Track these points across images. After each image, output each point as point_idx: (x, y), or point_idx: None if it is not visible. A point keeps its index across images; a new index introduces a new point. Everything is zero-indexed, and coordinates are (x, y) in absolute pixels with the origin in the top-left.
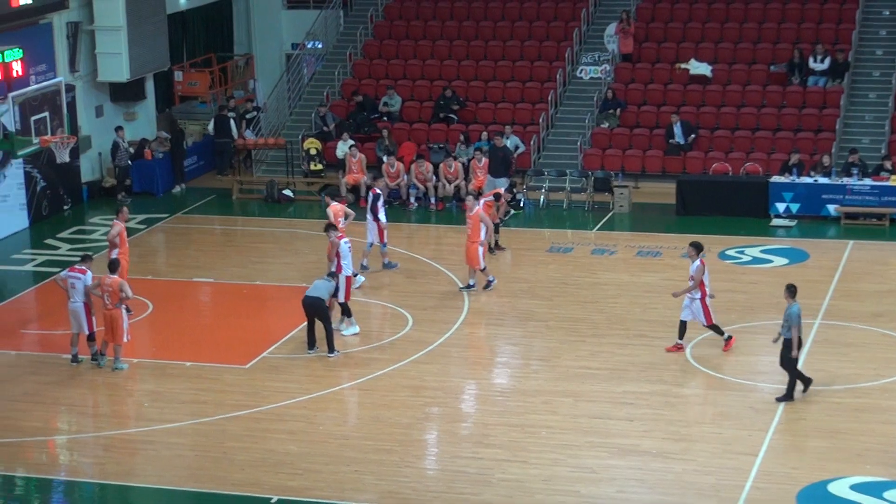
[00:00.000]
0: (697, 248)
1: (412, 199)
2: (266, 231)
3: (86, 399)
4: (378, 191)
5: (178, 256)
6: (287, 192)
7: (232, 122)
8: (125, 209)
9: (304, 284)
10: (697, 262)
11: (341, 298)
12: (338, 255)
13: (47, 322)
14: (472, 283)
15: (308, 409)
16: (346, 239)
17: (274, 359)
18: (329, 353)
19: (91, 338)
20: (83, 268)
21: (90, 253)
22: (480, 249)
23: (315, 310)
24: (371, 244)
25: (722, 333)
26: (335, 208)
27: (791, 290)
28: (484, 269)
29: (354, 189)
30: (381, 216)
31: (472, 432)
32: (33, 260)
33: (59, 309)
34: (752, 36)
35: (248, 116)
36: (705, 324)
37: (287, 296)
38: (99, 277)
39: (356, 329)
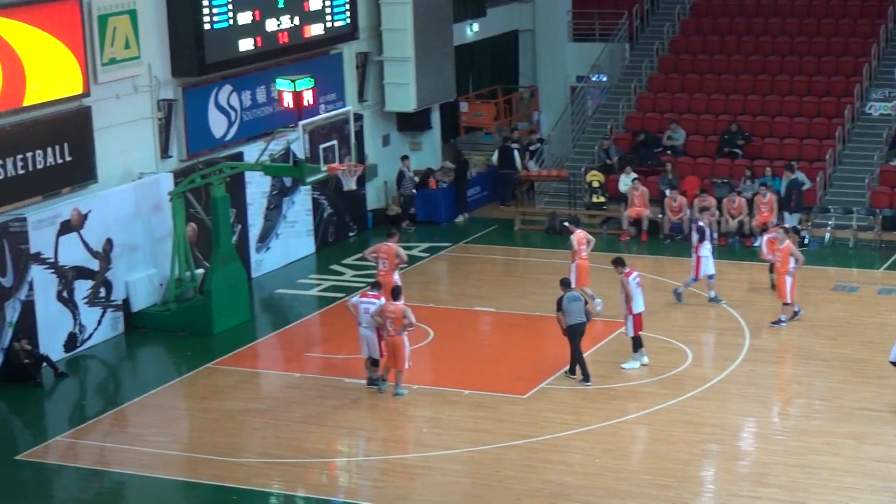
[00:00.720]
0: None
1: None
2: (547, 262)
3: (366, 423)
4: (702, 224)
5: (459, 285)
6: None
7: (516, 153)
8: (396, 233)
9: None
10: None
11: (631, 333)
12: (628, 292)
13: (330, 346)
14: (797, 309)
15: (585, 441)
16: (634, 275)
17: (552, 390)
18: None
19: (376, 363)
20: (376, 293)
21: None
22: (789, 281)
23: (582, 335)
24: (712, 276)
25: None
26: (579, 236)
27: None
28: (787, 304)
29: (636, 222)
30: (702, 251)
31: (750, 471)
32: (318, 285)
33: (342, 333)
34: None
35: (531, 148)
36: None
37: None
38: (383, 304)
39: (636, 364)
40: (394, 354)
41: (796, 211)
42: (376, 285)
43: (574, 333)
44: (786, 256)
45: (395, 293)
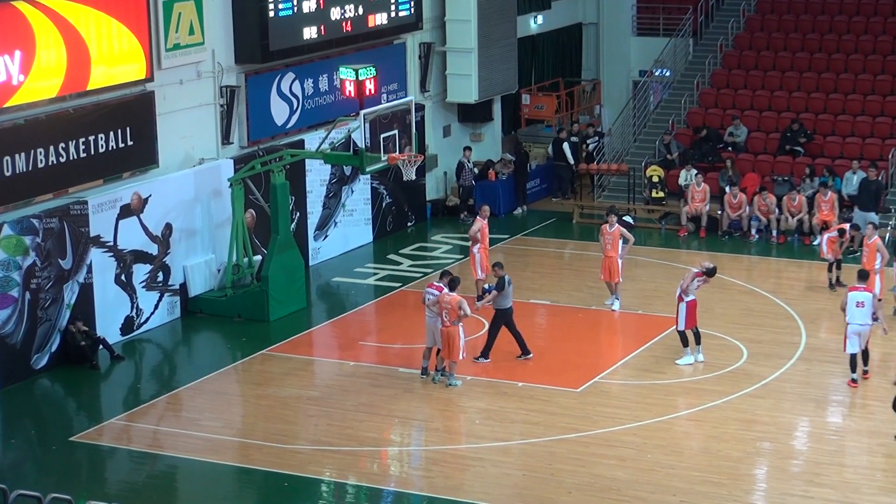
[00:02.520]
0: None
1: (753, 231)
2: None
3: (419, 413)
4: None
5: (515, 278)
6: (627, 218)
7: (566, 146)
8: (486, 207)
9: (639, 312)
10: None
11: (681, 327)
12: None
13: (385, 335)
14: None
15: (637, 437)
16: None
17: (606, 384)
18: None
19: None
20: (440, 285)
21: (449, 269)
22: (878, 279)
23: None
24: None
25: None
26: (620, 230)
27: None
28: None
29: (695, 219)
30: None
31: (803, 470)
32: (375, 274)
33: (397, 323)
34: None
35: (588, 141)
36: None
37: (622, 322)
38: (439, 295)
39: (690, 360)
40: (448, 345)
41: (884, 211)
42: (444, 275)
43: (508, 317)
44: (872, 252)
45: (452, 284)
